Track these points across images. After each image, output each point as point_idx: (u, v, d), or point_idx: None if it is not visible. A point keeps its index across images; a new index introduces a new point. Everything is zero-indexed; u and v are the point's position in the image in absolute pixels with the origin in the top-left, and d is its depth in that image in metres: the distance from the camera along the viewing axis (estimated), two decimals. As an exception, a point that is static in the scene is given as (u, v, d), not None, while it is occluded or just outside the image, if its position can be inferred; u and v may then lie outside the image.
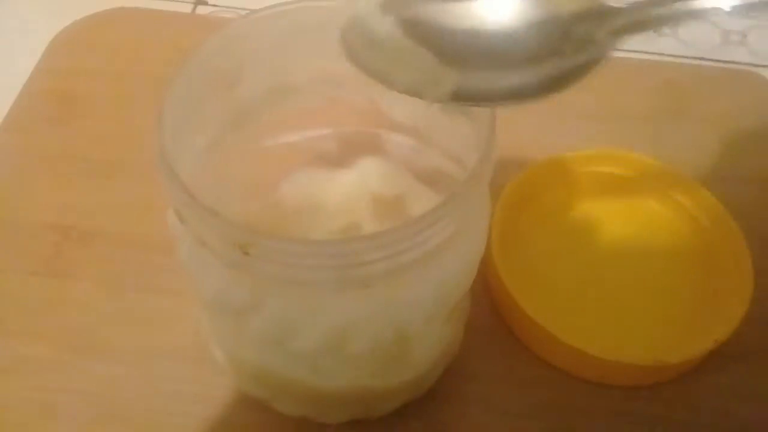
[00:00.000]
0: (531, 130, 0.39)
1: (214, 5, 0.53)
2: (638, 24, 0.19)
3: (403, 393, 0.26)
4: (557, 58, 0.20)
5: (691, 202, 0.34)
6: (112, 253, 0.33)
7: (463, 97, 0.20)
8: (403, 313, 0.21)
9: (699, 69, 0.43)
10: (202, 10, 0.53)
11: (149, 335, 0.31)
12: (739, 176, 0.37)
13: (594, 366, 0.29)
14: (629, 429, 0.29)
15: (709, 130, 0.39)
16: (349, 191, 0.30)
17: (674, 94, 0.41)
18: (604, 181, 0.35)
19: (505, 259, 0.31)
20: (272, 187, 0.31)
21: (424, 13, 0.20)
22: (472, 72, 0.20)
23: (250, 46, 0.24)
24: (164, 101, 0.21)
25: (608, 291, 0.32)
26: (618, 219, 0.34)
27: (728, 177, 0.36)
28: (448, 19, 0.20)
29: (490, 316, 0.32)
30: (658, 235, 0.34)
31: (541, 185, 0.35)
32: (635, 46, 0.45)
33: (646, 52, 0.45)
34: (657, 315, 0.31)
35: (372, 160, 0.31)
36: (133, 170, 0.36)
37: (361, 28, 0.21)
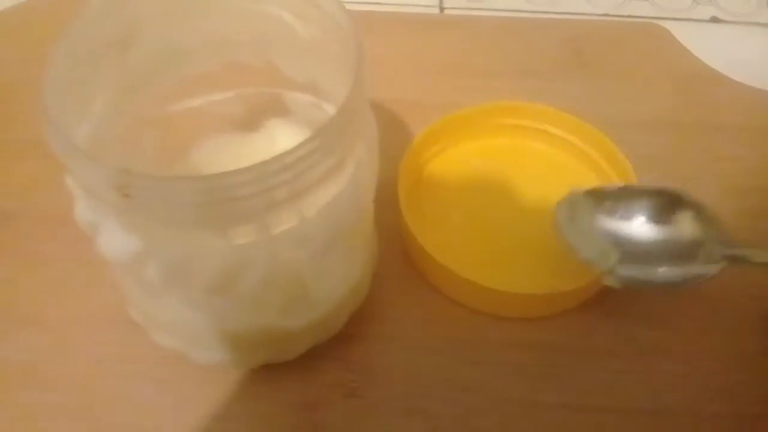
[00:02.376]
0: (439, 89, 0.40)
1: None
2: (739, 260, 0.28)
3: (312, 333, 0.28)
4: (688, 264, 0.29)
5: (590, 146, 0.36)
6: (32, 230, 0.34)
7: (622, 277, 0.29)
8: (288, 248, 0.22)
9: (602, 24, 0.45)
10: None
11: (70, 303, 0.31)
12: (636, 121, 0.39)
13: (495, 299, 0.31)
14: (529, 357, 0.30)
15: (610, 81, 0.41)
16: (260, 156, 0.31)
17: (577, 50, 0.42)
18: (506, 131, 0.37)
19: (411, 207, 0.33)
20: (183, 153, 0.32)
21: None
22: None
23: (139, 9, 0.25)
24: (49, 61, 0.22)
25: (508, 230, 0.34)
26: (519, 164, 0.36)
27: (625, 122, 0.38)
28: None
29: (404, 263, 0.33)
30: (558, 177, 0.36)
31: (446, 138, 0.36)
32: (540, 7, 0.47)
33: (552, 12, 0.46)
34: (554, 249, 0.33)
35: (278, 121, 0.32)
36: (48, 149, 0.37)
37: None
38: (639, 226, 0.30)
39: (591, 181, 0.36)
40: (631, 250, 0.29)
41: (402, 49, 0.43)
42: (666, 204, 0.30)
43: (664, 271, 0.29)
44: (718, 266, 0.28)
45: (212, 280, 0.22)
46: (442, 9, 0.47)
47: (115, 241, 0.23)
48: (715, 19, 0.46)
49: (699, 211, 0.30)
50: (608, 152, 0.35)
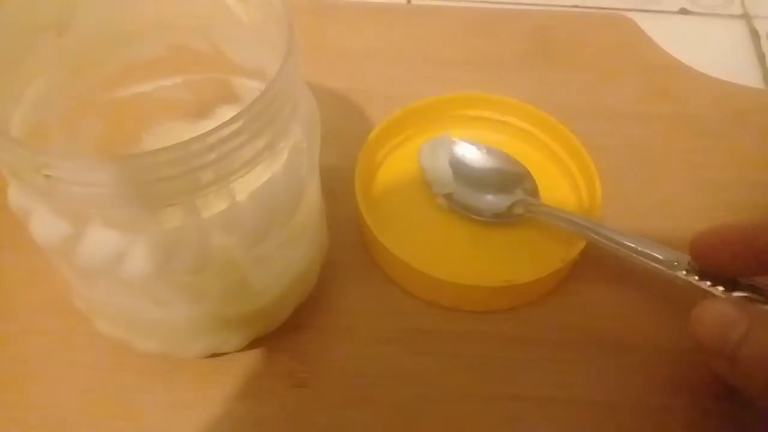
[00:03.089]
0: (403, 79, 0.40)
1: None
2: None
3: (255, 323, 0.27)
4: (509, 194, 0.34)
5: (550, 137, 0.36)
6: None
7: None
8: (220, 233, 0.22)
9: (570, 15, 0.45)
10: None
11: (16, 292, 0.31)
12: (599, 112, 0.39)
13: (449, 291, 0.30)
14: (481, 348, 0.30)
15: (575, 72, 0.41)
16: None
17: (543, 41, 0.42)
18: (466, 122, 0.37)
19: (368, 198, 0.33)
20: (134, 140, 0.31)
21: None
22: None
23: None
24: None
25: (464, 223, 0.34)
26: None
27: (589, 113, 0.38)
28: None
29: (359, 254, 0.33)
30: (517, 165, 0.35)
31: (406, 129, 0.36)
32: (509, -3, 0.46)
33: (520, 3, 0.46)
34: (510, 242, 0.33)
35: (229, 108, 0.32)
36: None
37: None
38: (474, 159, 0.35)
39: (552, 172, 0.35)
40: (465, 175, 0.34)
41: (368, 40, 0.42)
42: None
43: (490, 198, 0.33)
44: (533, 198, 0.33)
45: (143, 265, 0.22)
46: (408, 0, 0.46)
47: (44, 225, 0.22)
48: (684, 11, 0.46)
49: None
50: (568, 143, 0.35)
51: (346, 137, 0.35)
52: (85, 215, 0.21)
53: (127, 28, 0.27)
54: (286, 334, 0.30)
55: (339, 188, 0.33)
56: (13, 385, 0.29)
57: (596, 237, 0.30)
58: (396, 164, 0.36)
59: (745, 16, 0.46)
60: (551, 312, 0.31)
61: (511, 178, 0.34)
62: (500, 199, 0.34)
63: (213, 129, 0.20)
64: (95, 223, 0.21)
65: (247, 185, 0.22)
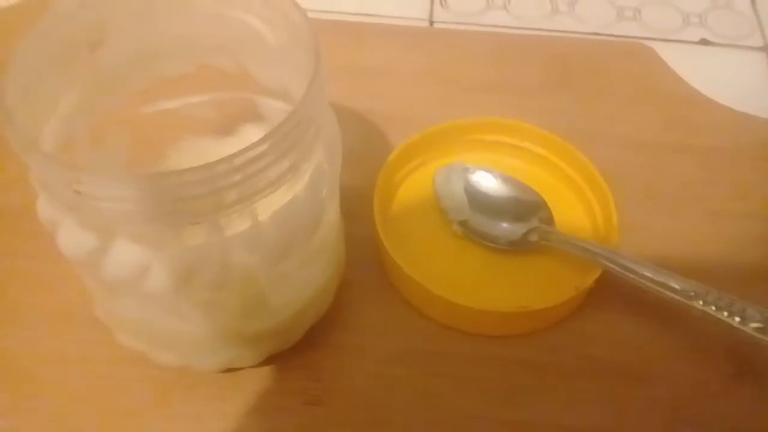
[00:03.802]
0: (423, 102, 0.41)
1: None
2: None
3: (272, 339, 0.28)
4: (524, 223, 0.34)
5: (567, 163, 0.36)
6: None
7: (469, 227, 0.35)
8: (241, 251, 0.23)
9: (590, 43, 0.45)
10: None
11: (36, 300, 0.32)
12: (617, 140, 0.39)
13: (465, 315, 0.31)
14: (495, 373, 0.30)
15: (594, 99, 0.41)
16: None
17: (563, 68, 0.43)
18: (485, 147, 0.37)
19: (385, 219, 0.33)
20: (159, 155, 0.32)
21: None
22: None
23: (108, 10, 0.26)
24: (12, 58, 0.22)
25: (479, 249, 0.34)
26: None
27: (606, 141, 0.38)
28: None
29: (377, 274, 0.33)
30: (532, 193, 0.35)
31: (424, 152, 0.36)
32: (530, 23, 0.47)
33: (542, 29, 0.47)
34: (525, 269, 0.33)
35: (252, 127, 0.32)
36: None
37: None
38: (490, 187, 0.35)
39: (568, 198, 0.36)
40: (481, 203, 0.35)
41: (389, 61, 0.43)
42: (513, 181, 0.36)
43: (505, 226, 0.34)
44: (549, 227, 0.34)
45: (166, 280, 0.22)
46: (431, 23, 0.47)
47: (72, 238, 0.23)
48: (704, 41, 0.46)
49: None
50: (585, 170, 0.35)
51: (366, 158, 0.35)
52: (111, 230, 0.22)
53: (156, 47, 0.28)
54: (302, 351, 0.30)
55: (358, 208, 0.33)
56: (28, 390, 0.29)
57: (611, 265, 0.30)
58: (413, 187, 0.36)
59: (766, 49, 0.46)
60: (566, 339, 0.31)
61: (526, 207, 0.34)
62: (515, 227, 0.34)
63: (240, 151, 0.20)
64: (121, 237, 0.22)
65: (269, 205, 0.22)
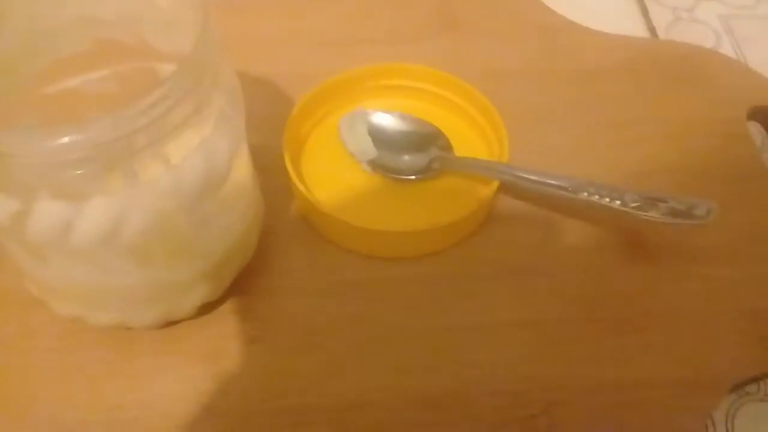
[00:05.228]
0: (318, 59, 0.43)
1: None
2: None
3: (202, 286, 0.29)
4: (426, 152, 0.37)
5: (462, 98, 0.39)
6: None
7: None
8: (160, 197, 0.24)
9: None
10: None
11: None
12: (503, 72, 0.42)
13: (382, 241, 0.33)
14: (417, 289, 0.33)
15: (477, 39, 0.44)
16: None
17: (446, 12, 0.45)
18: (385, 92, 0.40)
19: (298, 170, 0.35)
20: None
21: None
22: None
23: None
24: None
25: (389, 182, 0.37)
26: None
27: (494, 74, 0.41)
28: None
29: (296, 222, 0.35)
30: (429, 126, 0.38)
31: (328, 103, 0.39)
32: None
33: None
34: (433, 194, 0.36)
35: (157, 96, 0.33)
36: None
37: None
38: (390, 126, 0.38)
39: (463, 128, 0.39)
40: (384, 141, 0.37)
41: (278, 25, 0.45)
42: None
43: (408, 159, 0.37)
44: (448, 153, 0.37)
45: (90, 233, 0.24)
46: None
47: (-8, 205, 0.24)
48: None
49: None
50: (475, 100, 0.38)
51: (270, 118, 0.37)
52: (32, 190, 0.23)
53: (50, 25, 0.29)
54: (234, 297, 0.32)
55: (270, 164, 0.35)
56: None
57: (507, 176, 0.34)
58: (321, 137, 0.38)
59: (627, -24, 0.50)
60: (475, 250, 0.34)
61: (425, 138, 0.37)
62: (418, 158, 0.37)
63: (143, 96, 0.22)
64: (42, 196, 0.23)
65: (180, 149, 0.24)
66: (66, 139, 0.21)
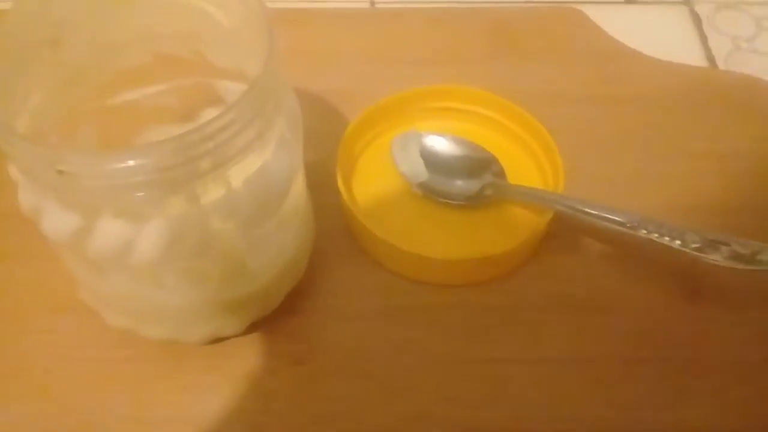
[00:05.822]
0: (373, 79, 0.43)
1: None
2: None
3: (253, 306, 0.29)
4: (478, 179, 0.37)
5: (514, 122, 0.38)
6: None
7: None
8: (218, 218, 0.24)
9: (524, 11, 0.48)
10: None
11: (24, 296, 0.33)
12: (557, 97, 0.41)
13: (432, 267, 0.33)
14: (467, 317, 0.33)
15: (532, 63, 0.44)
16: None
17: (502, 35, 0.45)
18: (437, 114, 0.39)
19: (349, 190, 0.35)
20: (125, 145, 0.33)
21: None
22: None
23: (65, 9, 0.27)
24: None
25: (440, 207, 0.36)
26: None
27: (548, 99, 0.41)
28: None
29: (345, 241, 0.35)
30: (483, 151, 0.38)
31: (380, 123, 0.38)
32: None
33: (479, 1, 0.49)
34: (484, 221, 0.35)
35: (214, 111, 0.33)
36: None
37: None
38: (443, 149, 0.38)
39: (517, 154, 0.38)
40: (436, 165, 0.37)
41: (336, 43, 0.45)
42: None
43: (461, 184, 0.36)
44: (501, 180, 0.36)
45: (150, 252, 0.24)
46: (372, 3, 0.49)
47: (56, 220, 0.24)
48: (629, 1, 0.49)
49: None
50: (530, 126, 0.37)
51: (325, 135, 0.37)
52: (95, 208, 0.23)
53: (114, 39, 0.29)
54: (283, 317, 0.32)
55: (322, 181, 0.35)
56: (25, 380, 0.30)
57: (561, 207, 0.33)
58: (372, 157, 0.38)
59: (687, 2, 0.49)
60: (526, 282, 0.34)
61: (479, 164, 0.37)
62: (471, 184, 0.36)
63: (210, 120, 0.22)
64: (105, 214, 0.23)
65: (241, 172, 0.24)
66: (131, 162, 0.21)
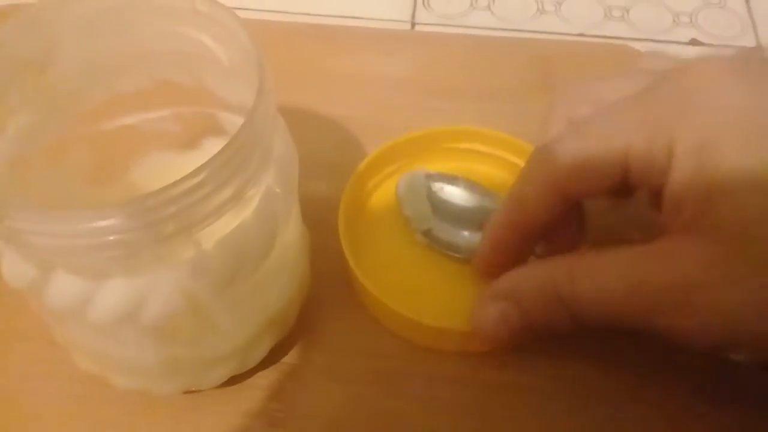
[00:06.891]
0: (400, 109, 0.40)
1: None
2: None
3: (227, 363, 0.27)
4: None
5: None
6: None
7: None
8: (187, 279, 0.22)
9: (572, 45, 0.44)
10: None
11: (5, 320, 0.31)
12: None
13: (426, 334, 0.30)
14: (463, 393, 0.30)
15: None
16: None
17: (544, 70, 0.41)
18: (459, 156, 0.36)
19: (350, 234, 0.32)
20: (121, 170, 0.32)
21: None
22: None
23: (54, 30, 0.25)
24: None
25: (442, 260, 0.33)
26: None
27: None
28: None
29: (345, 289, 0.33)
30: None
31: (395, 162, 0.36)
32: (514, 25, 0.46)
33: (527, 31, 0.46)
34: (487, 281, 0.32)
35: (217, 140, 0.31)
36: None
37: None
38: (454, 194, 0.34)
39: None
40: (444, 211, 0.34)
41: (367, 66, 0.42)
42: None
43: (467, 235, 0.33)
44: None
45: (108, 312, 0.22)
46: (413, 25, 0.46)
47: (13, 268, 0.22)
48: (694, 42, 0.45)
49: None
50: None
51: (340, 167, 0.35)
52: (50, 261, 0.21)
53: (110, 63, 0.27)
54: (265, 371, 0.30)
55: (329, 218, 0.33)
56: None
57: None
58: (383, 197, 0.35)
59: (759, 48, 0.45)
60: (527, 356, 0.30)
61: (490, 216, 0.32)
62: (478, 236, 0.32)
63: (175, 182, 0.19)
64: (61, 269, 0.22)
65: (213, 233, 0.22)
66: (82, 226, 0.19)
